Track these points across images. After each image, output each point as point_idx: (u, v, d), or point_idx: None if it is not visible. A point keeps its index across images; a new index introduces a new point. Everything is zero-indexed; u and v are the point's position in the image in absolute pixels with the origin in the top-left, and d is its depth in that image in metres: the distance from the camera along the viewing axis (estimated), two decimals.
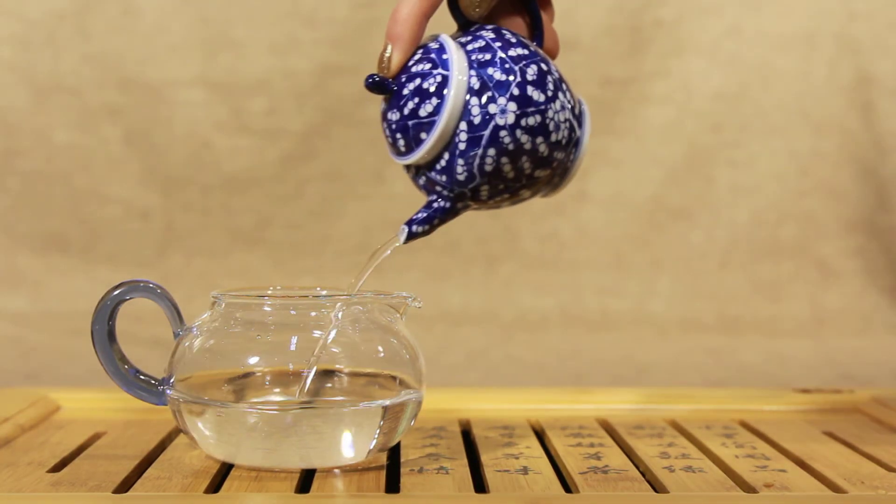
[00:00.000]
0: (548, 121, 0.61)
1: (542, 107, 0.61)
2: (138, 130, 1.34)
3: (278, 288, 0.69)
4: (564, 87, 0.62)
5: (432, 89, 0.60)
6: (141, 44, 1.34)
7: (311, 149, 1.35)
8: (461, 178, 0.61)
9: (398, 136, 0.62)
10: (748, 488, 0.61)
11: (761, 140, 1.36)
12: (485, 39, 0.62)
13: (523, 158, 0.61)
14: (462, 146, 0.60)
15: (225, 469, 0.63)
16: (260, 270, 1.32)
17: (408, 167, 0.63)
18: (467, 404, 0.80)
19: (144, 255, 1.33)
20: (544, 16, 0.65)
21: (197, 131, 1.34)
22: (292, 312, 0.65)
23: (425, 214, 0.63)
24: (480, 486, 0.62)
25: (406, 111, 0.61)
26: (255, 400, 0.64)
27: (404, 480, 0.62)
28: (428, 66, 0.61)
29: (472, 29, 0.63)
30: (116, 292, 0.64)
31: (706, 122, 1.36)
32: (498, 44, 0.62)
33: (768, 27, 1.36)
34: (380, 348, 0.65)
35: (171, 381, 0.64)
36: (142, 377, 0.65)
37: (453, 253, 1.35)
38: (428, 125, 0.61)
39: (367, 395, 0.64)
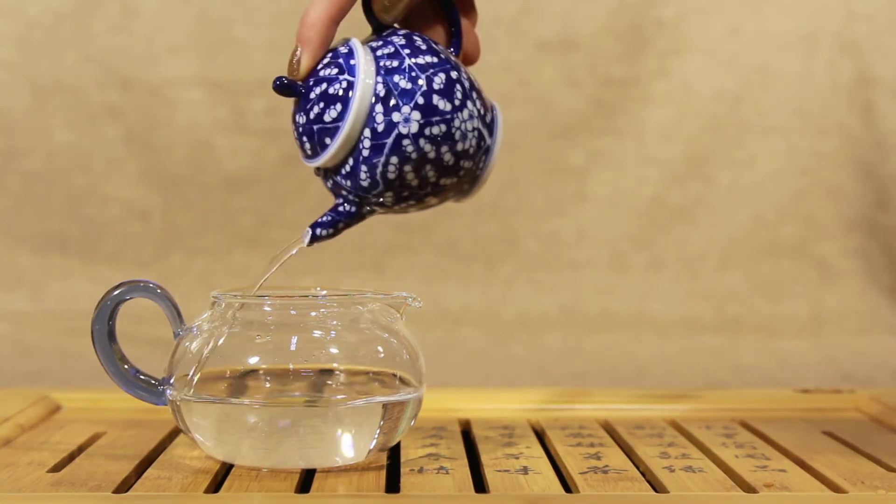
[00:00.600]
0: (454, 130, 0.61)
1: (448, 116, 0.60)
2: (138, 130, 1.34)
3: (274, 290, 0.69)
4: (475, 95, 0.62)
5: (338, 94, 0.60)
6: (141, 44, 1.33)
7: None
8: (364, 184, 0.62)
9: (304, 139, 0.62)
10: (748, 488, 0.61)
11: (761, 140, 1.36)
12: (394, 45, 0.62)
13: (427, 167, 0.61)
14: (366, 153, 0.61)
15: (225, 469, 0.63)
16: (260, 270, 1.32)
17: (317, 170, 0.64)
18: (467, 404, 0.80)
19: (144, 255, 1.33)
20: (465, 21, 0.65)
21: (197, 131, 1.34)
22: (292, 312, 0.65)
23: (329, 218, 0.64)
24: (480, 486, 0.62)
25: (312, 115, 0.61)
26: (255, 397, 0.64)
27: (404, 480, 0.62)
28: (335, 70, 0.61)
29: (385, 34, 0.63)
30: (116, 292, 0.64)
31: (706, 122, 1.36)
32: (407, 50, 0.61)
33: (768, 27, 1.36)
34: (380, 348, 0.65)
35: (171, 380, 0.64)
36: (142, 377, 0.65)
37: (453, 253, 1.34)
38: (332, 130, 0.61)
39: (367, 393, 0.64)
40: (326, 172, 0.63)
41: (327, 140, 0.61)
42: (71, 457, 0.67)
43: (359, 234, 1.34)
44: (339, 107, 0.60)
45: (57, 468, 0.64)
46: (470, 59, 0.66)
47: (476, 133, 0.62)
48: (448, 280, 1.33)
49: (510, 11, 1.34)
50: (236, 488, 0.60)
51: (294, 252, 0.65)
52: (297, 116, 0.62)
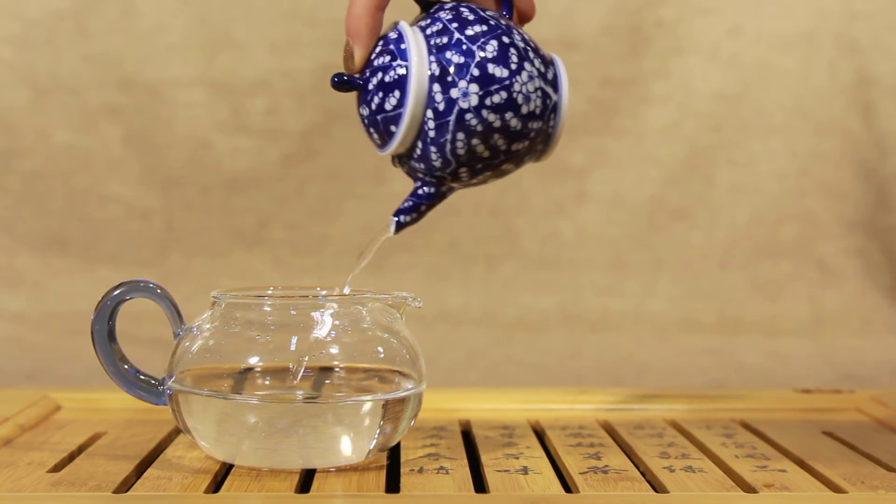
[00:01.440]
0: (515, 94, 0.60)
1: (507, 82, 0.60)
2: (138, 130, 1.34)
3: (273, 289, 0.69)
4: (531, 54, 0.61)
5: (394, 81, 0.60)
6: (141, 44, 1.34)
7: (311, 149, 1.35)
8: (437, 164, 0.61)
9: (371, 130, 0.62)
10: (748, 488, 0.61)
11: (761, 140, 1.36)
12: (442, 21, 0.61)
13: (495, 136, 0.60)
14: (432, 134, 0.60)
15: (225, 469, 0.63)
16: (260, 270, 1.32)
17: (392, 158, 0.63)
18: (467, 404, 0.80)
19: (144, 255, 1.33)
20: None
21: (197, 131, 1.34)
22: (292, 312, 0.65)
23: (411, 203, 0.64)
24: (480, 486, 0.62)
25: (374, 106, 0.61)
26: (255, 394, 0.64)
27: (404, 480, 0.62)
28: (387, 58, 0.61)
29: (432, 10, 0.63)
30: (116, 292, 0.64)
31: (706, 122, 1.36)
32: (455, 24, 0.61)
33: (768, 27, 1.36)
34: (380, 348, 0.65)
35: (171, 380, 0.64)
36: (142, 377, 0.65)
37: (453, 253, 1.35)
38: (395, 118, 0.61)
39: (367, 390, 0.64)
40: (401, 159, 0.63)
41: (392, 128, 0.61)
42: (71, 457, 0.67)
43: (359, 234, 1.34)
44: (397, 93, 0.60)
45: (57, 468, 0.64)
46: (525, 17, 0.66)
47: (539, 93, 0.61)
48: (448, 280, 1.33)
49: None
50: (236, 488, 0.60)
51: (380, 243, 0.64)
52: (360, 109, 0.62)
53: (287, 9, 1.34)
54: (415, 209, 0.64)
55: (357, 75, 0.62)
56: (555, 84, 0.62)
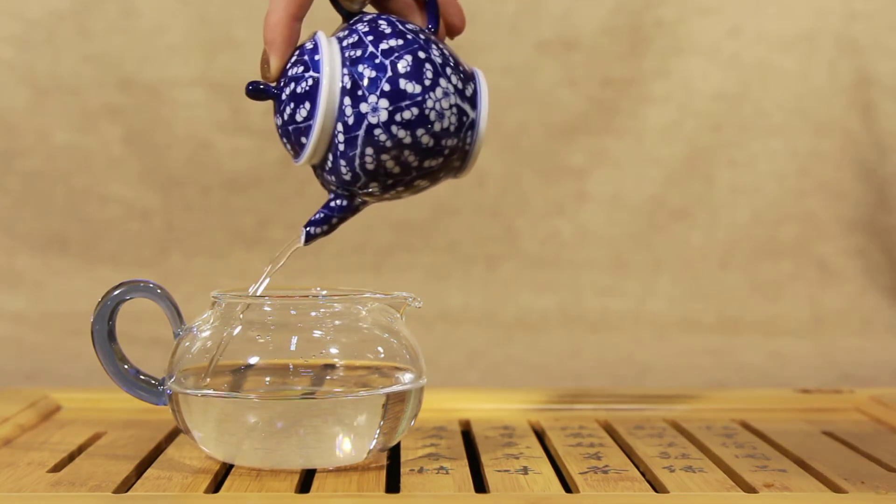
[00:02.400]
0: (427, 111, 0.59)
1: (419, 98, 0.59)
2: (138, 130, 1.34)
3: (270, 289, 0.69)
4: (449, 70, 0.60)
5: (305, 92, 0.60)
6: (141, 44, 1.34)
7: None
8: (347, 178, 0.61)
9: (285, 140, 0.62)
10: (748, 488, 0.61)
11: (761, 140, 1.36)
12: (358, 34, 0.61)
13: (406, 153, 0.60)
14: (341, 147, 0.60)
15: (225, 469, 0.63)
16: (260, 270, 1.32)
17: (312, 168, 0.63)
18: (467, 404, 0.80)
19: (144, 255, 1.33)
20: None
21: (197, 131, 1.34)
22: (292, 312, 0.65)
23: (322, 215, 0.64)
24: (480, 486, 0.62)
25: (286, 116, 0.61)
26: (255, 391, 0.64)
27: (404, 480, 0.62)
28: (301, 68, 0.60)
29: (351, 22, 0.62)
30: (116, 292, 0.64)
31: (706, 122, 1.36)
32: (370, 37, 0.60)
33: (768, 27, 1.36)
34: (380, 348, 0.65)
35: (171, 379, 0.64)
36: (142, 377, 0.65)
37: (453, 253, 1.35)
38: (306, 129, 0.60)
39: (367, 385, 0.64)
40: (315, 170, 0.63)
41: (303, 139, 0.61)
42: (71, 457, 0.67)
43: (359, 234, 1.34)
44: (307, 105, 0.60)
45: (57, 468, 0.64)
46: (454, 30, 0.65)
47: (455, 109, 0.60)
48: (448, 280, 1.33)
49: (510, 11, 1.34)
50: (236, 488, 0.60)
51: (290, 253, 0.64)
52: (276, 119, 0.62)
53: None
54: (326, 221, 0.64)
55: (273, 84, 0.62)
56: (473, 101, 0.61)
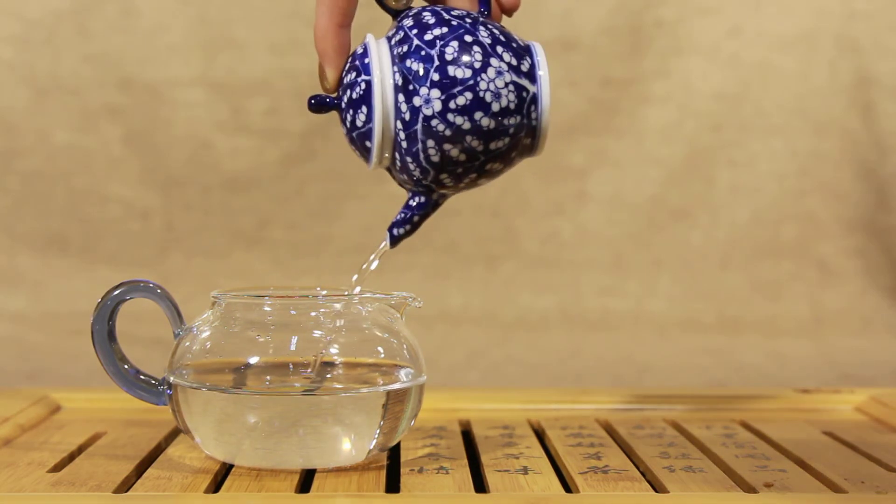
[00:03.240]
0: (482, 93, 0.59)
1: (470, 81, 0.59)
2: (138, 130, 1.34)
3: (271, 289, 0.69)
4: (500, 49, 0.60)
5: (361, 97, 0.60)
6: (141, 44, 1.34)
7: (311, 149, 1.35)
8: (416, 174, 0.61)
9: (353, 148, 0.62)
10: (748, 488, 0.61)
11: (761, 140, 1.36)
12: (404, 29, 0.61)
13: (468, 138, 0.59)
14: (404, 144, 0.60)
15: (225, 469, 0.63)
16: (260, 270, 1.32)
17: (387, 170, 0.63)
18: (467, 404, 0.80)
19: (144, 255, 1.33)
20: None
21: (197, 131, 1.34)
22: (292, 312, 0.65)
23: (403, 214, 0.63)
24: (480, 486, 0.62)
25: (349, 124, 0.61)
26: (255, 388, 0.64)
27: (404, 480, 0.62)
28: (354, 74, 0.61)
29: (399, 19, 0.62)
30: (116, 292, 0.64)
31: (706, 122, 1.36)
32: (415, 30, 0.60)
33: (768, 27, 1.36)
34: (380, 348, 0.65)
35: (171, 378, 0.64)
36: (142, 377, 0.65)
37: (453, 253, 1.35)
38: (367, 133, 0.60)
39: (367, 382, 0.64)
40: (390, 171, 0.63)
41: (367, 143, 0.61)
42: (71, 457, 0.67)
43: (359, 234, 1.34)
44: (364, 109, 0.60)
45: (57, 468, 0.64)
46: (509, 9, 0.64)
47: (512, 87, 0.60)
48: (448, 280, 1.33)
49: None
50: (236, 488, 0.60)
51: (378, 258, 0.64)
52: (342, 129, 0.62)
53: (287, 9, 1.34)
54: (408, 220, 0.63)
55: (333, 95, 0.62)
56: (532, 75, 0.61)
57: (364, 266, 0.65)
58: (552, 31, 1.34)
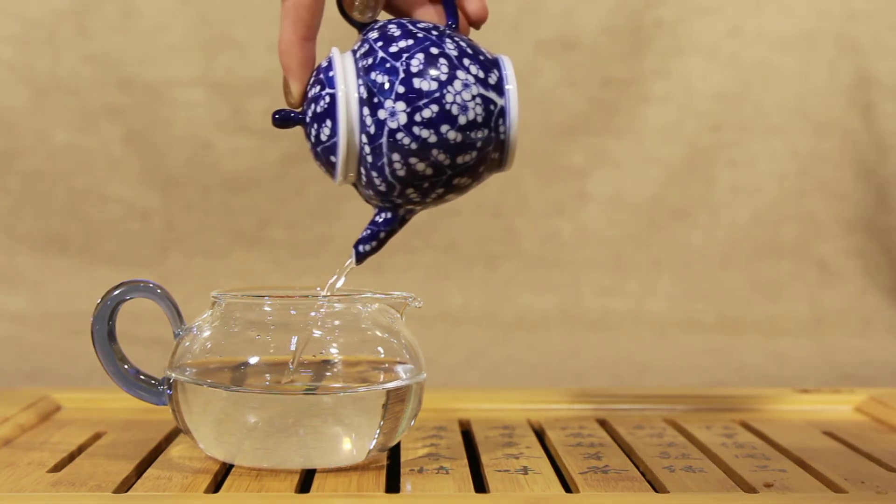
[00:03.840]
0: (448, 106, 0.58)
1: (436, 94, 0.58)
2: (138, 130, 1.34)
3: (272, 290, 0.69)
4: (467, 61, 0.59)
5: (326, 111, 0.59)
6: (141, 44, 1.34)
7: None
8: (382, 189, 0.60)
9: (318, 163, 0.61)
10: (748, 488, 0.61)
11: (761, 140, 1.36)
12: (369, 42, 0.60)
13: (434, 152, 0.58)
14: (370, 159, 0.59)
15: (225, 469, 0.63)
16: (260, 270, 1.32)
17: (354, 186, 0.62)
18: (467, 404, 0.80)
19: (144, 255, 1.33)
20: None
21: (197, 131, 1.34)
22: (292, 312, 0.65)
23: (369, 231, 0.63)
24: (480, 486, 0.62)
25: (313, 138, 0.60)
26: (255, 386, 0.64)
27: (404, 480, 0.62)
28: (318, 88, 0.60)
29: (364, 31, 0.61)
30: (116, 292, 0.64)
31: (706, 122, 1.36)
32: (380, 43, 0.59)
33: (768, 27, 1.36)
34: (380, 348, 0.65)
35: (171, 378, 0.64)
36: (142, 377, 0.65)
37: (453, 253, 1.35)
38: (332, 147, 0.59)
39: (367, 381, 0.64)
40: (356, 188, 0.62)
41: (332, 158, 0.60)
42: (71, 457, 0.67)
43: (359, 234, 1.34)
44: (329, 123, 0.59)
45: (57, 468, 0.64)
46: (476, 22, 0.63)
47: (479, 99, 0.59)
48: (448, 280, 1.33)
49: (510, 11, 1.34)
50: (236, 488, 0.60)
51: (344, 276, 0.64)
52: (308, 143, 0.61)
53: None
54: (374, 237, 0.63)
55: (298, 109, 0.61)
56: (499, 88, 0.59)
57: (329, 283, 0.64)
58: (552, 31, 1.34)
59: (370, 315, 0.65)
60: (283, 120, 0.61)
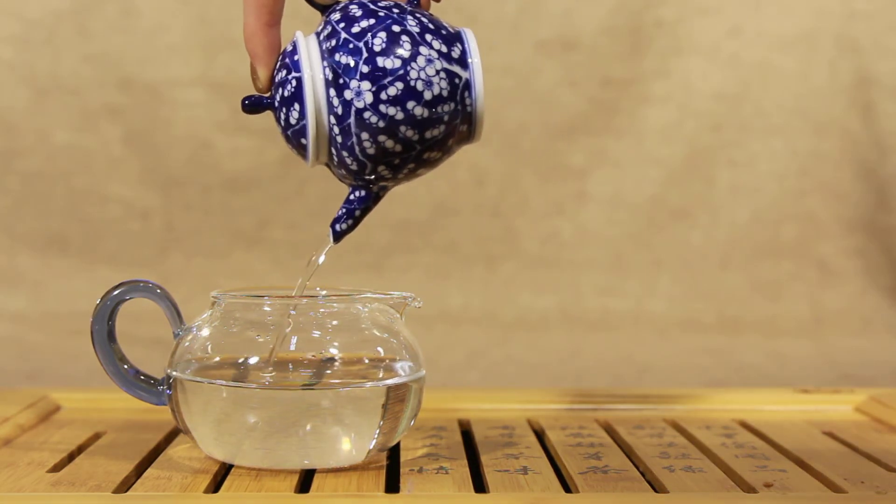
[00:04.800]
0: (413, 82, 0.59)
1: (400, 71, 0.58)
2: (138, 130, 1.34)
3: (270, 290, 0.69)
4: (429, 37, 0.60)
5: (293, 94, 0.60)
6: (141, 44, 1.34)
7: None
8: (354, 168, 0.61)
9: (290, 146, 0.62)
10: (748, 488, 0.61)
11: (761, 140, 1.36)
12: (331, 24, 0.61)
13: (402, 129, 0.59)
14: (339, 139, 0.60)
15: (225, 469, 0.63)
16: (260, 270, 1.32)
17: (327, 166, 0.63)
18: (467, 404, 0.80)
19: (144, 255, 1.33)
20: None
21: (197, 131, 1.34)
22: (292, 312, 0.65)
23: (344, 210, 0.64)
24: (480, 486, 0.62)
25: (283, 122, 0.61)
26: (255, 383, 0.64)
27: (404, 480, 0.62)
28: (284, 72, 0.61)
29: (326, 14, 0.62)
30: (116, 292, 0.64)
31: (706, 122, 1.36)
32: (342, 24, 0.60)
33: (768, 27, 1.36)
34: (380, 348, 0.65)
35: (170, 379, 0.64)
36: (142, 377, 0.65)
37: (453, 253, 1.35)
38: (301, 130, 0.60)
39: (366, 377, 0.64)
40: (329, 168, 0.63)
41: (303, 140, 0.60)
42: (71, 457, 0.67)
43: (359, 234, 1.34)
44: (297, 106, 0.60)
45: (57, 468, 0.64)
46: None
47: (444, 74, 0.59)
48: (448, 280, 1.33)
49: (510, 11, 1.34)
50: (236, 488, 0.60)
51: (324, 255, 0.64)
52: (278, 128, 0.62)
53: (287, 9, 1.34)
54: (350, 215, 0.64)
55: (267, 95, 0.62)
56: (463, 61, 0.60)
57: (310, 260, 0.65)
58: (552, 31, 1.34)
59: (370, 315, 0.65)
60: (253, 105, 0.62)
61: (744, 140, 1.36)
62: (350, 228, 0.64)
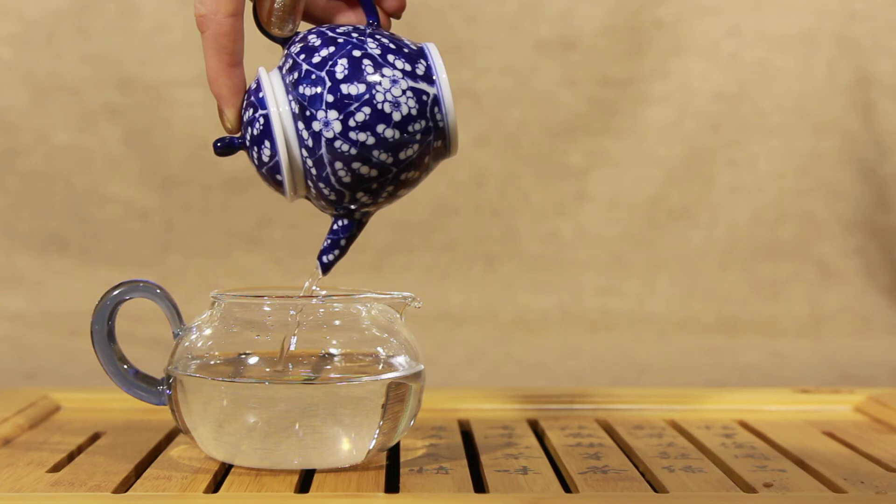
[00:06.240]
0: (380, 105, 0.58)
1: (366, 96, 0.58)
2: (138, 130, 1.34)
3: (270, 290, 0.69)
4: (391, 57, 0.59)
5: (262, 132, 0.60)
6: (141, 44, 1.34)
7: None
8: (333, 198, 0.61)
9: (267, 184, 0.62)
10: (748, 488, 0.61)
11: (761, 140, 1.36)
12: (292, 56, 0.60)
13: (375, 153, 0.59)
14: (314, 171, 0.59)
15: (225, 469, 0.63)
16: (260, 270, 1.32)
17: (307, 199, 0.63)
18: (467, 404, 0.80)
19: (144, 255, 1.33)
20: None
21: (197, 131, 1.34)
22: (292, 313, 0.65)
23: (330, 240, 0.63)
24: (480, 486, 0.62)
25: (257, 161, 0.61)
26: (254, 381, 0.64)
27: (404, 480, 0.62)
28: (251, 111, 0.60)
29: (286, 46, 0.62)
30: (116, 292, 0.64)
31: (706, 122, 1.36)
32: (302, 56, 0.60)
33: (768, 27, 1.36)
34: (379, 348, 0.65)
35: (170, 380, 0.64)
36: (141, 377, 0.65)
37: (453, 253, 1.35)
38: (275, 167, 0.60)
39: (366, 373, 0.64)
40: (309, 200, 0.63)
41: (278, 177, 0.60)
42: (70, 457, 0.67)
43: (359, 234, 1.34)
44: (267, 143, 0.59)
45: (57, 468, 0.64)
46: (393, 13, 0.63)
47: (410, 93, 0.59)
48: (448, 280, 1.33)
49: (510, 11, 1.34)
50: (236, 488, 0.60)
51: (314, 286, 0.64)
52: (253, 167, 0.62)
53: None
54: (335, 245, 0.63)
55: (238, 135, 0.61)
56: (428, 78, 0.60)
57: (302, 292, 0.65)
58: (552, 31, 1.34)
59: (369, 314, 0.65)
60: (225, 147, 0.61)
61: (743, 140, 1.36)
62: (337, 259, 0.64)
